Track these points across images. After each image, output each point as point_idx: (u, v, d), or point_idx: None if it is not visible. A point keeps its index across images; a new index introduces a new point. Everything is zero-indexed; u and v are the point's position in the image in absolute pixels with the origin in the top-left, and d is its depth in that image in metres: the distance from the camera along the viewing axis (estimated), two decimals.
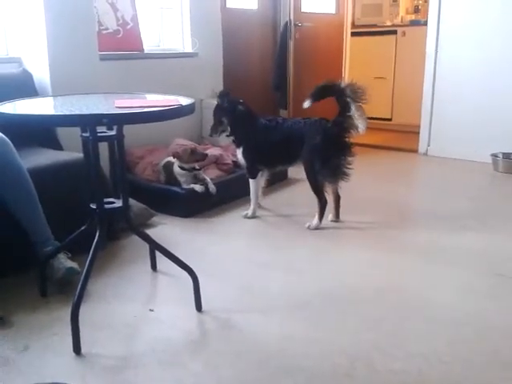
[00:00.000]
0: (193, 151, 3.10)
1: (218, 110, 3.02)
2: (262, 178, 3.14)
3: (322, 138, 2.76)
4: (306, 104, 2.75)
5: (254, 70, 5.01)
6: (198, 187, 3.05)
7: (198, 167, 3.11)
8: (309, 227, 2.85)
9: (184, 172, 3.08)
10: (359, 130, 2.70)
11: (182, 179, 3.08)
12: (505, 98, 4.15)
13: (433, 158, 4.57)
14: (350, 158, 2.77)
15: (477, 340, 1.80)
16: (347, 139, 2.77)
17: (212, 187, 3.10)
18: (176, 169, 3.09)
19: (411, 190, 3.78)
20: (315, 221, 2.86)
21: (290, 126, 2.93)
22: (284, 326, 1.90)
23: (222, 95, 3.03)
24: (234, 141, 3.04)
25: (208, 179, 3.14)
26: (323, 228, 2.86)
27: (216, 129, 3.04)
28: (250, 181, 3.05)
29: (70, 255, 2.18)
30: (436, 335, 1.83)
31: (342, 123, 2.72)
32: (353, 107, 2.66)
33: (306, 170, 2.86)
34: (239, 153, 3.04)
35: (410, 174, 4.37)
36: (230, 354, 1.72)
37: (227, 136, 3.05)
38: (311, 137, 2.79)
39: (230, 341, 1.80)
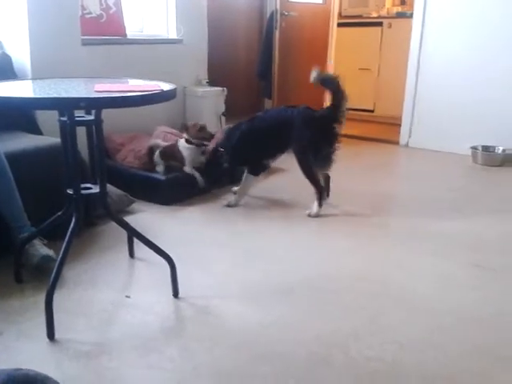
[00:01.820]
0: (202, 128, 3.07)
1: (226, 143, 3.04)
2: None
3: (315, 128, 2.80)
4: (314, 74, 2.77)
5: (239, 59, 4.99)
6: (198, 177, 3.08)
7: (205, 143, 3.10)
8: (309, 215, 2.87)
9: (190, 146, 3.06)
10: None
11: (186, 153, 3.06)
12: (486, 92, 4.18)
13: (414, 150, 4.60)
14: (337, 146, 2.85)
15: (454, 329, 1.82)
16: (337, 129, 2.82)
17: (200, 180, 3.11)
18: (182, 143, 3.07)
19: (391, 181, 3.79)
20: (315, 208, 2.87)
21: (276, 116, 2.98)
22: (262, 312, 1.91)
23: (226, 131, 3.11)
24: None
25: (197, 174, 3.11)
26: (305, 217, 2.87)
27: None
28: (250, 176, 3.05)
29: (45, 242, 2.16)
30: (414, 324, 1.85)
31: (335, 114, 2.78)
32: (343, 104, 2.75)
33: (299, 160, 2.87)
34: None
35: (391, 165, 4.39)
36: (206, 340, 1.72)
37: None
38: (302, 126, 2.82)
39: (206, 327, 1.80)
